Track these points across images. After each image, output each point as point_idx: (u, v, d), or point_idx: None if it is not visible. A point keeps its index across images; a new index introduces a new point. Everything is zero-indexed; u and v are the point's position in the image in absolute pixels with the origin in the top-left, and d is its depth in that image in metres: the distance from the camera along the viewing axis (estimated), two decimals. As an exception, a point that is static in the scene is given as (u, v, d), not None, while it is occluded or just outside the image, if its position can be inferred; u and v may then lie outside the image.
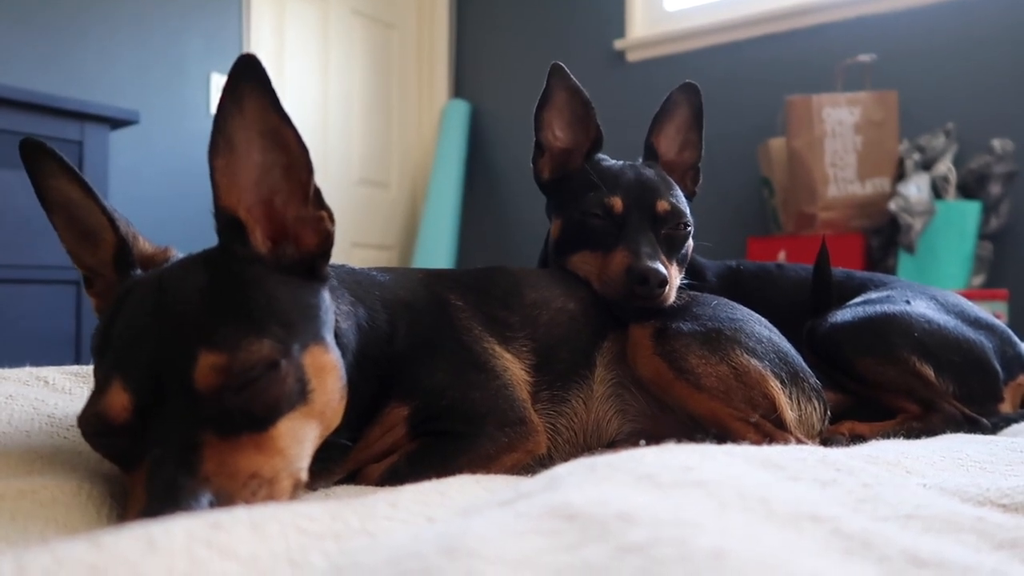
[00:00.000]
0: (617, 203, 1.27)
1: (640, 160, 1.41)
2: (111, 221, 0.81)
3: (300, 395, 0.71)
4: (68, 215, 0.83)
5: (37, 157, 0.80)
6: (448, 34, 4.62)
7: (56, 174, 0.81)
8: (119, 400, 0.66)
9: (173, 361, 0.67)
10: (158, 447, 0.64)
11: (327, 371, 0.75)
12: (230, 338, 0.67)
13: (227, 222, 0.77)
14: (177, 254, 0.86)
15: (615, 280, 1.19)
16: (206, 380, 0.66)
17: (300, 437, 0.70)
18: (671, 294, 1.18)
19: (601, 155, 1.39)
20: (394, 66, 4.54)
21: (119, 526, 0.47)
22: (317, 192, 0.79)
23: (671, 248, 1.28)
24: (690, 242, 1.33)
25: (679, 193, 1.34)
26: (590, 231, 1.27)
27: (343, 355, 0.81)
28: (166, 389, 0.66)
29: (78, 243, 0.84)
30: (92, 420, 0.69)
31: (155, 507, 0.59)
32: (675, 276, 1.24)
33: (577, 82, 1.37)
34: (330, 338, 0.78)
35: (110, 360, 0.70)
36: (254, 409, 0.67)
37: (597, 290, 1.21)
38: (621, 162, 1.38)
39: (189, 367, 0.66)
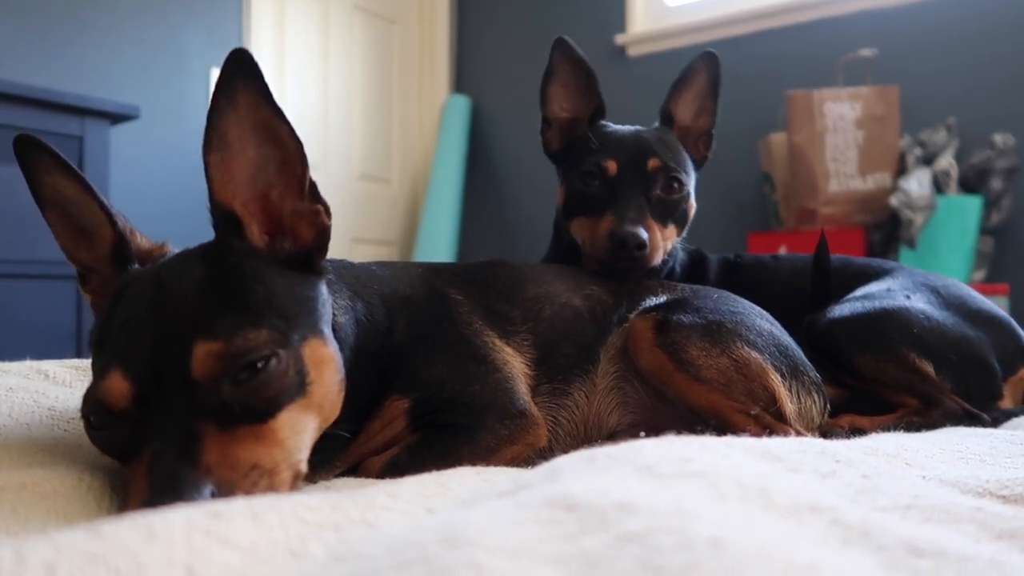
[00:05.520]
0: (612, 165, 1.31)
1: (655, 125, 1.44)
2: (109, 216, 0.81)
3: (299, 387, 0.71)
4: (63, 211, 0.83)
5: (31, 153, 0.80)
6: (449, 29, 4.61)
7: (51, 170, 0.81)
8: (119, 387, 0.67)
9: (170, 352, 0.67)
10: (158, 438, 0.64)
11: (325, 364, 0.75)
12: (226, 327, 0.68)
13: (223, 216, 0.77)
14: (174, 249, 0.87)
15: (601, 244, 1.24)
16: (202, 368, 0.66)
17: (299, 429, 0.71)
18: (655, 256, 1.25)
19: (606, 122, 1.41)
20: (395, 61, 4.53)
21: (119, 516, 0.47)
22: (313, 186, 0.80)
23: (664, 211, 1.32)
24: (692, 203, 1.38)
25: (681, 156, 1.38)
26: (587, 196, 1.32)
27: (341, 349, 0.81)
28: (165, 380, 0.66)
29: (74, 239, 0.84)
30: (92, 405, 0.69)
31: (157, 497, 0.59)
32: (663, 238, 1.30)
33: (580, 52, 1.39)
34: (328, 331, 0.79)
35: (109, 352, 0.70)
36: (255, 402, 0.67)
37: (587, 255, 1.25)
38: (629, 127, 1.41)
39: (186, 357, 0.66)
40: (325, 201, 0.81)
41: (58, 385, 1.10)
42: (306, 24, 4.06)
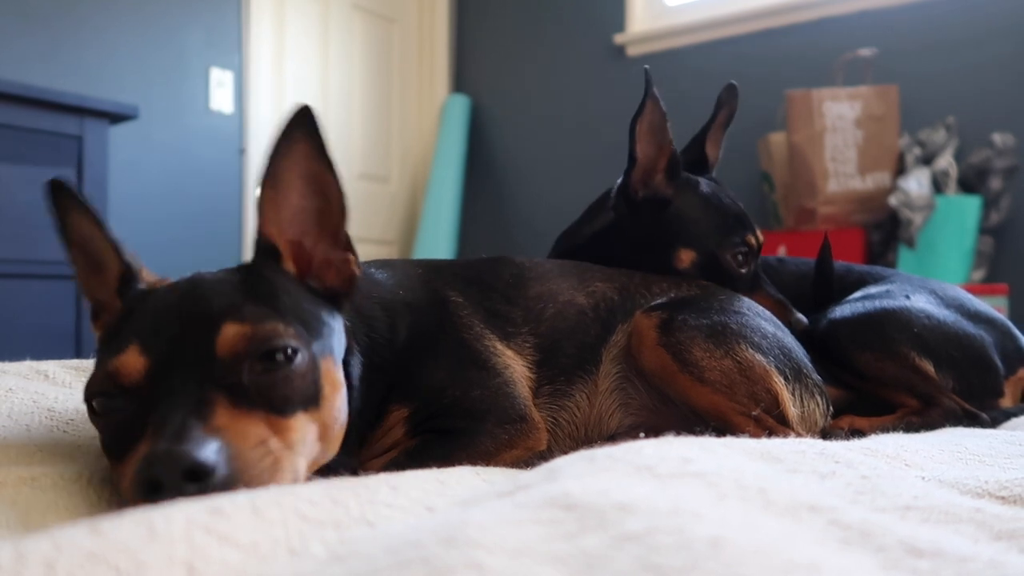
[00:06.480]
0: (755, 241, 1.30)
1: (692, 174, 1.36)
2: (115, 247, 0.82)
3: (313, 397, 0.72)
4: (82, 248, 0.84)
5: (61, 196, 0.82)
6: (448, 29, 4.61)
7: (73, 210, 0.82)
8: (134, 360, 0.67)
9: (197, 331, 0.68)
10: (168, 402, 0.64)
11: (335, 388, 0.76)
12: (256, 314, 0.70)
13: (265, 249, 0.81)
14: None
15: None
16: (228, 346, 0.67)
17: (307, 439, 0.71)
18: None
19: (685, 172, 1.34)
20: (394, 60, 4.53)
21: (119, 512, 0.47)
22: (347, 237, 0.84)
23: None
24: None
25: None
26: (729, 271, 1.28)
27: (348, 387, 0.82)
28: (184, 357, 0.67)
29: (90, 275, 0.86)
30: (102, 381, 0.69)
31: (162, 446, 0.59)
32: None
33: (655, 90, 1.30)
34: (340, 363, 0.80)
35: (128, 332, 0.70)
36: (272, 394, 0.68)
37: None
38: (705, 181, 1.35)
39: (212, 335, 0.68)
40: (356, 250, 0.84)
41: (58, 386, 1.10)
42: (305, 23, 4.06)
